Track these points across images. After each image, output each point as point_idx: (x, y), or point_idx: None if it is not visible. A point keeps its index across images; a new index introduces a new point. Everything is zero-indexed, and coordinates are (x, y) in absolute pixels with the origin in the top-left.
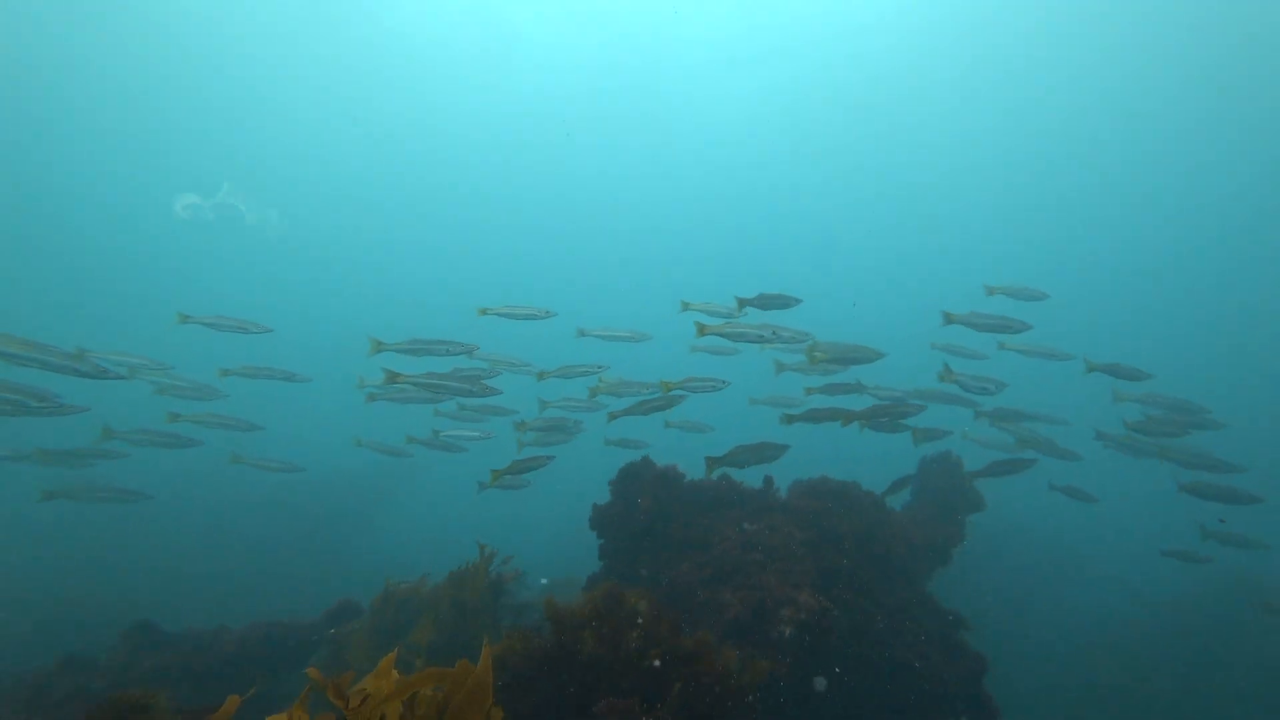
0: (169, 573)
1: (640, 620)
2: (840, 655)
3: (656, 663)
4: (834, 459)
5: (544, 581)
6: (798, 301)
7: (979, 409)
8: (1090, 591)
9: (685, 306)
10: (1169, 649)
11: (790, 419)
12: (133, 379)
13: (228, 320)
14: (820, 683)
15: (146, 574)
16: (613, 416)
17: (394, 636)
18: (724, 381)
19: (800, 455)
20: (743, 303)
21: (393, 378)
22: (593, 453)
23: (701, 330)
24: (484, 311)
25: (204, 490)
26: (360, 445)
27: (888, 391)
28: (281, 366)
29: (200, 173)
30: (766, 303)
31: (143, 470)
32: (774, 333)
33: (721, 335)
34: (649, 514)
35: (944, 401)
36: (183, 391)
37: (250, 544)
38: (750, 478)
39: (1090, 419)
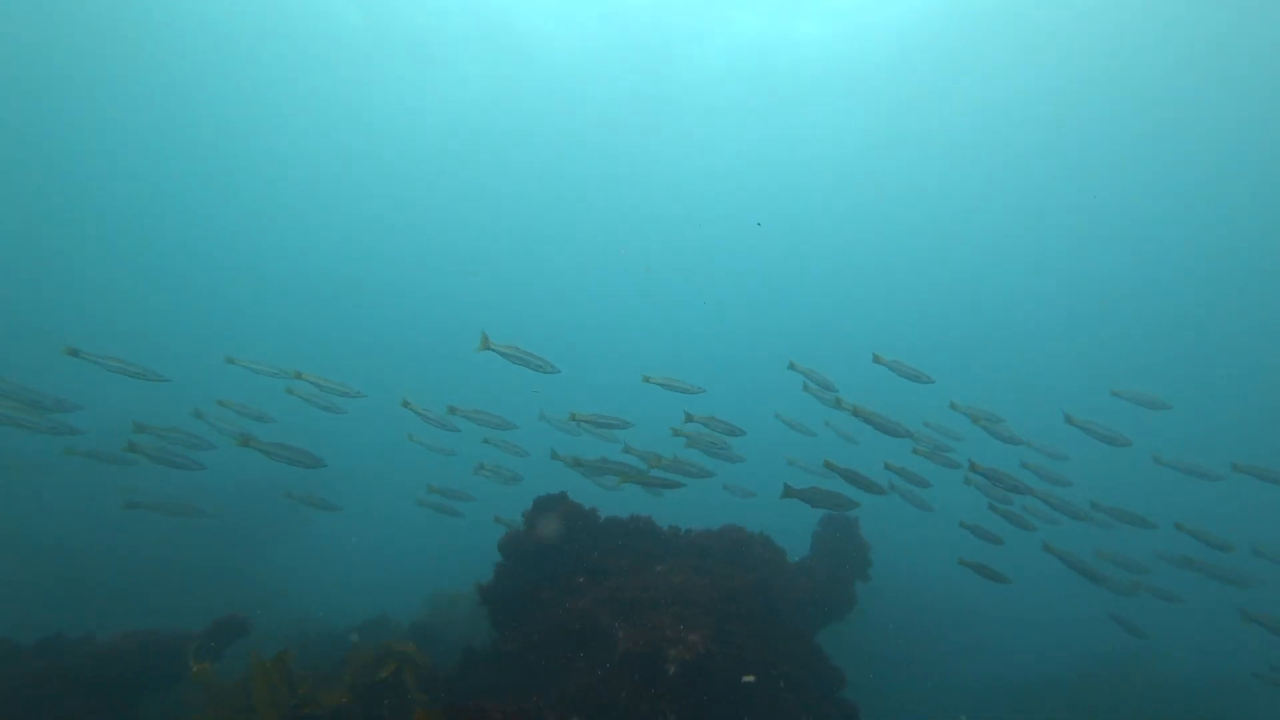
0: (55, 575)
1: None
2: (723, 698)
3: None
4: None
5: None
6: (930, 380)
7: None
8: (979, 660)
9: (792, 366)
10: None
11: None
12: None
13: (434, 417)
14: None
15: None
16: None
17: None
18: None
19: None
20: (877, 359)
21: (487, 344)
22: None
23: (847, 408)
24: (647, 379)
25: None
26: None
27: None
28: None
29: (203, 171)
30: (898, 369)
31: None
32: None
33: (863, 418)
34: (553, 544)
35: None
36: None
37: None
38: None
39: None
